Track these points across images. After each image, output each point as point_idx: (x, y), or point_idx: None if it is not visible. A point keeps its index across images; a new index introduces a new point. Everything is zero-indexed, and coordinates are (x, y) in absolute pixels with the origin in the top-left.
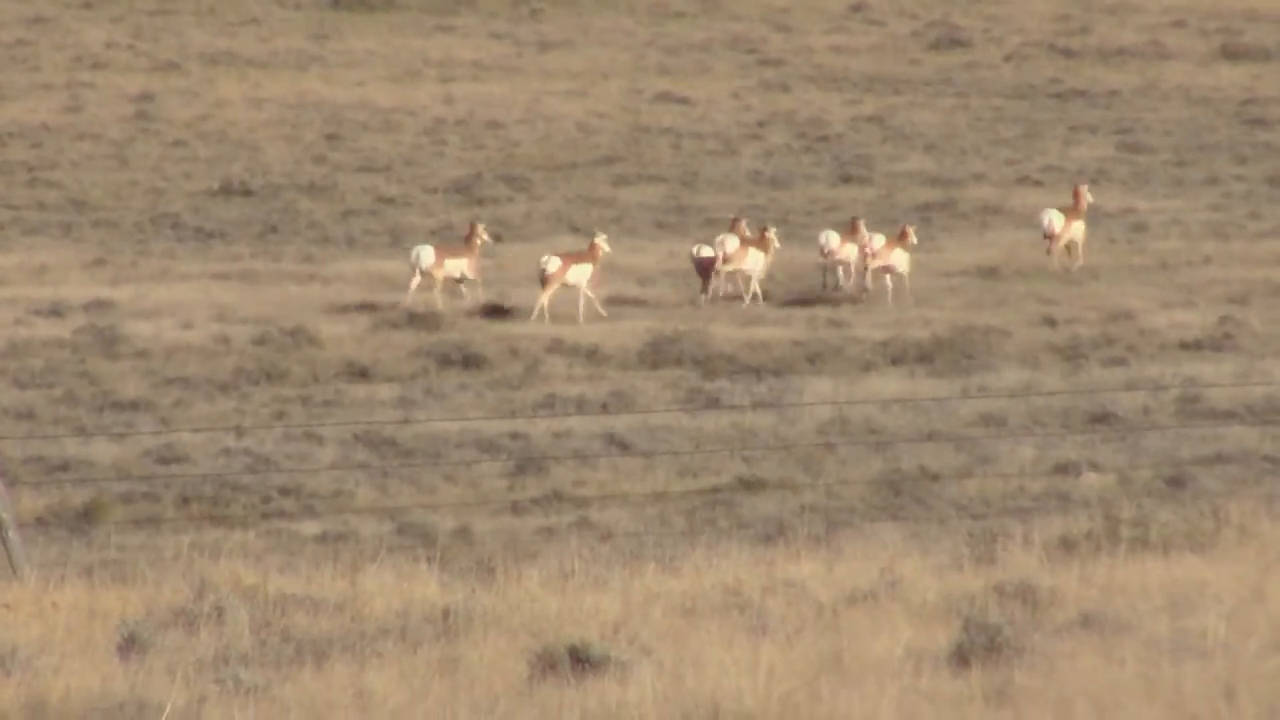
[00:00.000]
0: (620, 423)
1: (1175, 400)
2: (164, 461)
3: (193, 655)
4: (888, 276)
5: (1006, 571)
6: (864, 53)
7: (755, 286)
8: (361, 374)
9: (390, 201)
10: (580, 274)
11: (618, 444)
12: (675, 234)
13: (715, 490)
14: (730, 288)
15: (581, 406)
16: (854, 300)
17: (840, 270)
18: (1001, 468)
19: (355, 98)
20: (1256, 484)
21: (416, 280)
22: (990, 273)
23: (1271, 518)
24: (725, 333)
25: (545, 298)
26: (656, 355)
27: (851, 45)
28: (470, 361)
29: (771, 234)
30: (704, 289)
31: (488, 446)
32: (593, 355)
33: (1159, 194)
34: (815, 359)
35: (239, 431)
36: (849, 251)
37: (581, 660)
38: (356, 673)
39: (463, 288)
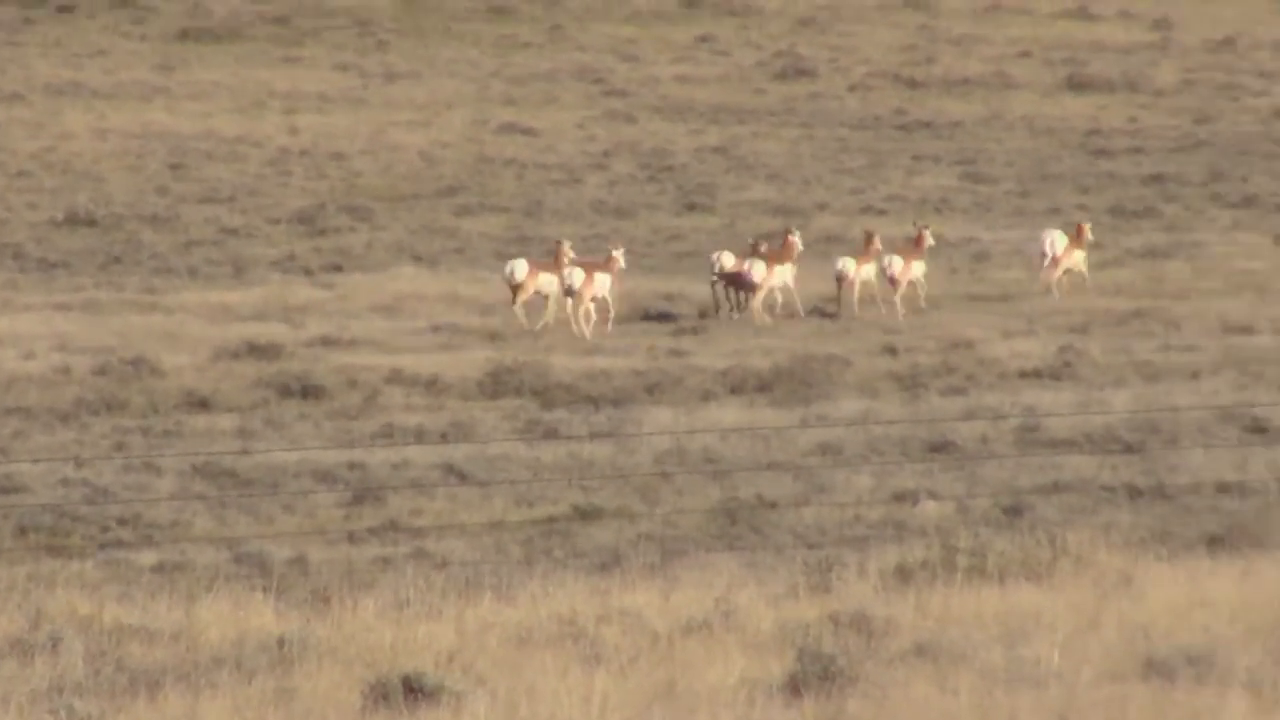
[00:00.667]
0: (458, 452)
1: (1014, 429)
2: (2, 492)
3: (27, 686)
4: (910, 285)
5: (842, 601)
6: (710, 83)
7: (782, 297)
8: (202, 404)
9: (233, 232)
10: (602, 284)
11: (455, 474)
12: None
13: (552, 520)
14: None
15: (420, 436)
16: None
17: (857, 290)
18: (839, 497)
19: (200, 128)
20: (1094, 513)
21: (520, 297)
22: (832, 301)
23: (1108, 547)
24: (564, 363)
25: (580, 311)
26: (496, 385)
27: (697, 75)
28: (309, 392)
29: (795, 237)
30: (732, 303)
31: (325, 476)
32: (432, 385)
33: (1001, 224)
34: (654, 389)
35: (78, 462)
36: (868, 271)
37: (415, 690)
38: (191, 703)
39: (550, 304)
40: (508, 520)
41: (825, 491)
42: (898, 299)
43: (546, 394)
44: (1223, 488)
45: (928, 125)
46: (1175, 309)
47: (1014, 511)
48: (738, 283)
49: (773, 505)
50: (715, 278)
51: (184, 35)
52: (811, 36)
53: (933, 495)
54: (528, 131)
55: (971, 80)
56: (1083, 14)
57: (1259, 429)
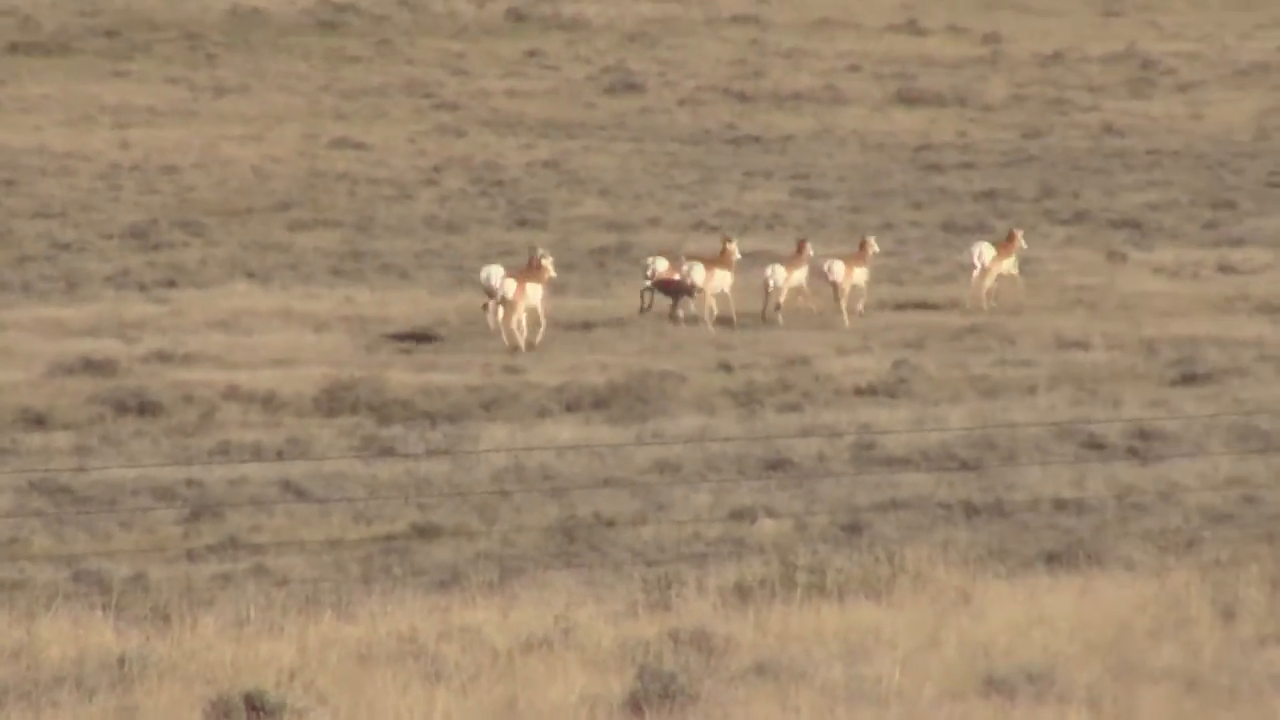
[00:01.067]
0: (296, 469)
1: (850, 446)
2: None
3: None
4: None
5: (681, 618)
6: (539, 97)
7: (718, 305)
8: (37, 421)
9: (66, 247)
10: (534, 294)
11: (293, 491)
12: (351, 280)
13: (390, 537)
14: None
15: (257, 453)
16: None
17: (781, 294)
18: (677, 514)
19: (31, 143)
20: (931, 530)
21: (493, 303)
22: (665, 317)
23: (946, 565)
24: (401, 379)
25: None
26: (332, 402)
27: (527, 89)
28: (146, 408)
29: (733, 246)
30: (645, 305)
31: (163, 494)
32: (268, 402)
33: (834, 239)
34: (490, 405)
35: None
36: (799, 276)
37: (257, 708)
38: None
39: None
40: (346, 538)
41: (663, 509)
42: (843, 304)
43: (383, 410)
44: (1060, 505)
45: (758, 140)
46: (1009, 324)
47: (852, 529)
48: (673, 288)
49: (611, 523)
50: (648, 283)
51: (13, 49)
52: (640, 51)
53: (771, 513)
54: (359, 146)
55: (802, 95)
56: (911, 28)
57: (1095, 445)
